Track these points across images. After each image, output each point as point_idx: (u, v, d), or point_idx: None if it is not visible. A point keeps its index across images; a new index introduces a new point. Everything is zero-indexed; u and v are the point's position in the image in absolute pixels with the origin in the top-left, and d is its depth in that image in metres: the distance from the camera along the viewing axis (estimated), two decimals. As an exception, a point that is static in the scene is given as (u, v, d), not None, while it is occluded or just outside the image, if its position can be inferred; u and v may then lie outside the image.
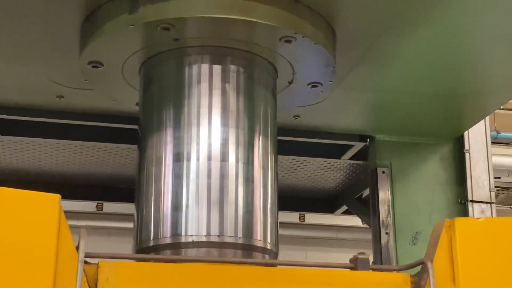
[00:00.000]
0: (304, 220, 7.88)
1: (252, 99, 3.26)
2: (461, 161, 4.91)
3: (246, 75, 3.27)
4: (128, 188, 5.03)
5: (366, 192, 5.20)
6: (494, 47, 3.65)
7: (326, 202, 6.07)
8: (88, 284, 2.55)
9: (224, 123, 3.14)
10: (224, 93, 3.19)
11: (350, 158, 5.13)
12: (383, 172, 4.76)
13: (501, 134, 12.22)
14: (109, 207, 6.77)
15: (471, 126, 4.81)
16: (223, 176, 3.05)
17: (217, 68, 3.24)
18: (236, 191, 3.06)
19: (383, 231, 4.66)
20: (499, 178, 11.47)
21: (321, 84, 3.56)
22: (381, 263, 4.57)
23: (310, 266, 2.86)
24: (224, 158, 3.08)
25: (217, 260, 2.87)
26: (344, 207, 5.93)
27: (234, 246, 2.99)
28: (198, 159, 3.07)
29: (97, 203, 6.80)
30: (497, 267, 2.85)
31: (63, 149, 4.92)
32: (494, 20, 3.39)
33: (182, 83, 3.22)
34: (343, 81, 3.91)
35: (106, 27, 3.13)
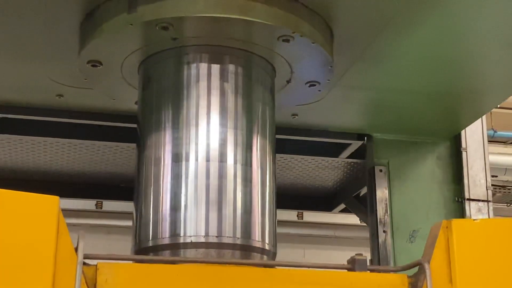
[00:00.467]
0: (302, 218, 7.90)
1: (251, 99, 3.27)
2: (458, 160, 4.92)
3: (244, 74, 3.28)
4: (127, 187, 5.03)
5: (364, 190, 5.20)
6: (490, 47, 3.66)
7: (324, 200, 6.08)
8: (87, 286, 2.55)
9: (223, 124, 3.14)
10: (222, 93, 3.20)
11: (348, 157, 5.15)
12: (381, 170, 4.77)
13: (498, 133, 12.28)
14: (109, 205, 6.77)
15: (468, 125, 4.82)
16: (221, 176, 3.06)
17: (215, 67, 3.24)
18: (234, 192, 3.06)
19: (380, 229, 4.67)
20: (496, 176, 11.52)
21: (319, 83, 3.57)
22: (379, 261, 4.58)
23: (308, 267, 2.88)
24: (222, 159, 3.09)
25: (216, 261, 2.87)
26: (342, 205, 5.94)
27: (232, 246, 2.99)
28: (196, 160, 3.08)
29: (97, 202, 6.79)
30: (494, 268, 2.86)
31: (62, 147, 4.92)
32: (490, 20, 3.40)
33: (180, 82, 3.22)
34: (341, 80, 3.92)
35: (105, 26, 3.13)
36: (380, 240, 4.65)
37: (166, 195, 3.06)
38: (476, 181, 4.89)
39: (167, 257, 2.96)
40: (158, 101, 3.24)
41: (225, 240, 2.98)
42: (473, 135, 4.95)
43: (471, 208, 4.83)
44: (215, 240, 2.97)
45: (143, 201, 3.14)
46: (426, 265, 2.80)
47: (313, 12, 3.23)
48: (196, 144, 3.10)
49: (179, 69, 3.25)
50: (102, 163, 5.24)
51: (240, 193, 3.08)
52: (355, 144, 4.96)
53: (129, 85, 3.60)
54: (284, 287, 2.77)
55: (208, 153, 3.08)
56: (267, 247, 3.11)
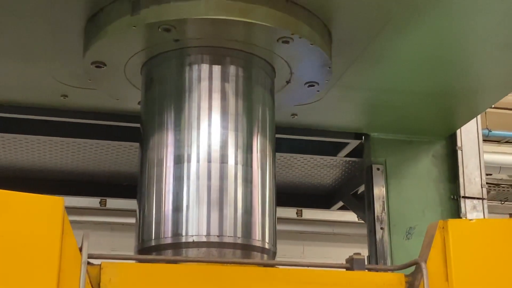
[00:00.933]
0: (301, 215, 7.93)
1: (251, 100, 3.29)
2: (453, 158, 4.95)
3: (245, 76, 3.30)
4: (131, 185, 5.07)
5: (362, 188, 5.22)
6: (485, 48, 3.68)
7: (322, 198, 6.10)
8: (91, 285, 2.58)
9: (224, 126, 3.16)
10: (223, 95, 3.22)
11: (346, 156, 5.17)
12: (378, 169, 4.79)
13: (492, 132, 12.32)
14: (112, 203, 6.76)
15: (463, 124, 4.85)
16: (222, 177, 3.08)
17: (216, 69, 3.26)
18: (235, 192, 3.09)
19: (378, 226, 4.70)
20: (491, 174, 11.58)
21: (318, 84, 3.59)
22: (376, 257, 4.61)
23: (307, 266, 2.91)
24: (223, 160, 3.11)
25: (217, 260, 2.90)
26: (340, 203, 5.94)
27: (233, 246, 3.02)
28: (198, 161, 3.09)
29: (101, 199, 6.78)
30: (489, 268, 2.89)
31: (67, 147, 4.94)
32: (486, 21, 3.42)
33: (182, 84, 3.25)
34: (339, 81, 3.94)
35: (109, 28, 3.16)
36: (377, 237, 4.68)
37: (169, 196, 3.08)
38: (471, 179, 4.91)
39: (170, 256, 2.99)
40: (161, 103, 3.26)
41: (226, 240, 3.00)
42: (468, 134, 4.98)
43: (466, 206, 4.85)
44: (216, 239, 2.98)
45: (146, 201, 3.16)
46: (423, 265, 2.83)
47: (312, 14, 3.25)
48: (198, 145, 3.12)
49: (181, 70, 3.27)
50: (106, 162, 5.26)
51: (241, 193, 3.10)
52: (353, 143, 4.98)
53: (133, 86, 3.62)
54: (283, 286, 2.80)
55: (209, 155, 3.10)
56: (267, 246, 3.14)
